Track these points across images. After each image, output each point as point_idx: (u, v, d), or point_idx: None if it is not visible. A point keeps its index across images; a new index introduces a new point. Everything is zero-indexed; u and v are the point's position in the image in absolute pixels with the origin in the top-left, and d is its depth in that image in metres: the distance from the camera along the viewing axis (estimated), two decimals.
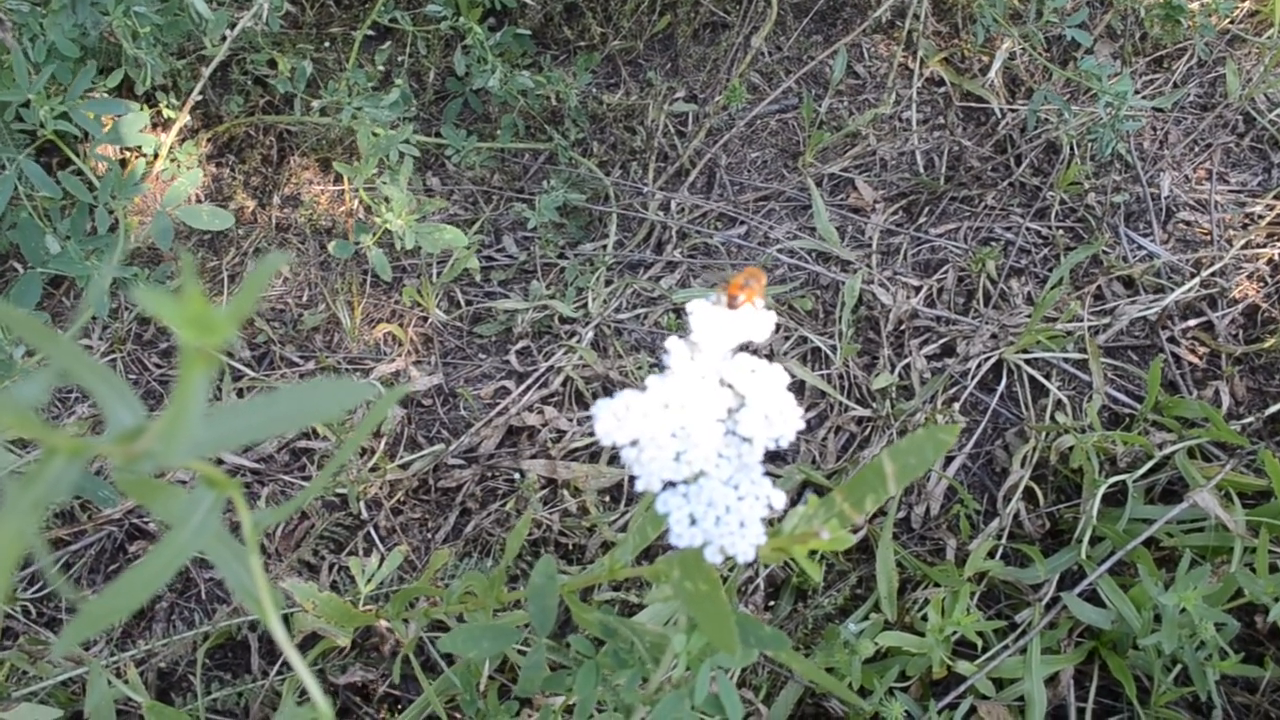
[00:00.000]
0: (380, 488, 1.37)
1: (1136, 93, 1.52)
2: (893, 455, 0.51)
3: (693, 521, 0.48)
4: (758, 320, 0.52)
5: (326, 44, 1.66)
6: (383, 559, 1.21)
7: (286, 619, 1.20)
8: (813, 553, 0.54)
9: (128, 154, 1.54)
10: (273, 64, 1.56)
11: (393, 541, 1.34)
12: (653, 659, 0.61)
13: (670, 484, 0.48)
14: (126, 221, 1.26)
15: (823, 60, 1.80)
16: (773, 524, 0.53)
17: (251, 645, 1.26)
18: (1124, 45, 1.84)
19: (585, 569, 1.27)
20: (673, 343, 0.50)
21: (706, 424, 0.48)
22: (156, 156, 1.49)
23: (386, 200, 1.24)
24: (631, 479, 1.38)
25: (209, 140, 1.66)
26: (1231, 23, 1.86)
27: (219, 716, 1.20)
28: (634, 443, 0.48)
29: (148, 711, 1.09)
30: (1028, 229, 1.64)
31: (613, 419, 0.48)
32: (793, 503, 0.84)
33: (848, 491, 0.53)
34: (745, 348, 0.52)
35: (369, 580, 1.14)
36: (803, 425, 0.47)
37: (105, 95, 1.31)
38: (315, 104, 1.35)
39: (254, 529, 0.40)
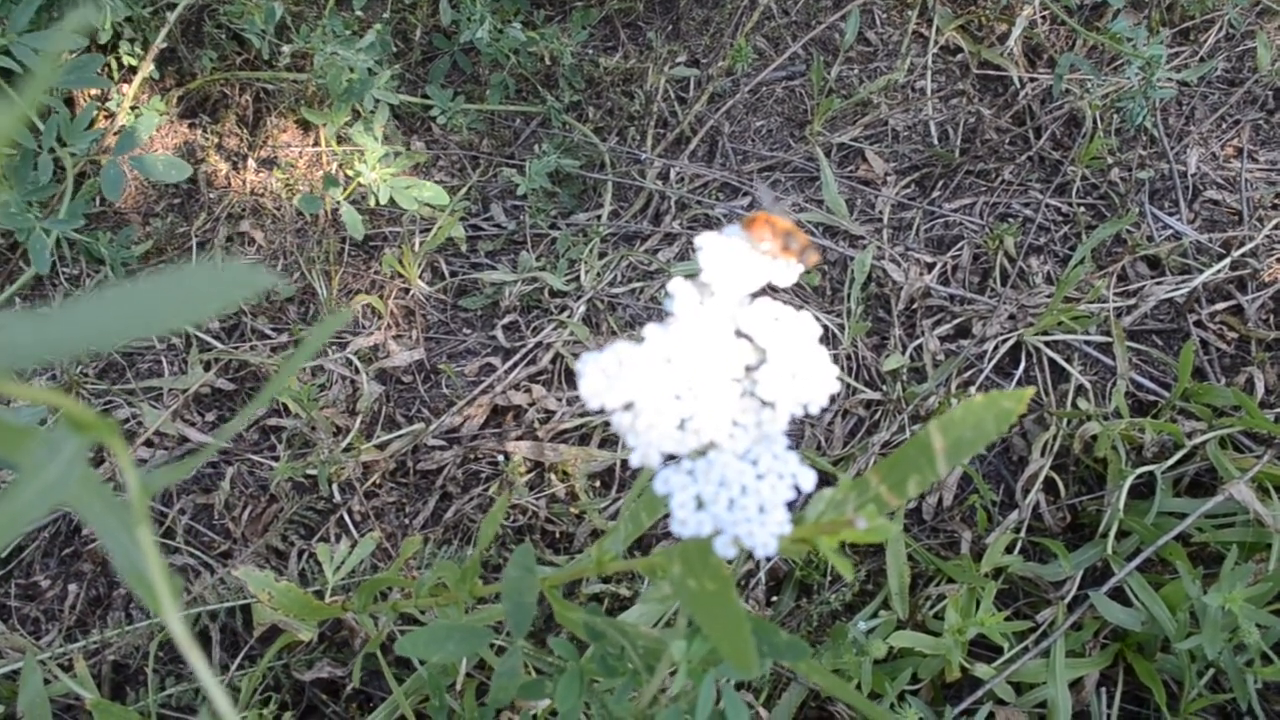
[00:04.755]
0: (354, 469, 1.27)
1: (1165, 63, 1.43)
2: (944, 427, 0.42)
3: (700, 505, 0.38)
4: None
5: None
6: (354, 546, 1.12)
7: (246, 610, 1.11)
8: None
9: (96, 112, 1.43)
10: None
11: (367, 527, 1.25)
12: (646, 667, 0.52)
13: (673, 458, 0.39)
14: (92, 177, 1.16)
15: (832, 24, 1.70)
16: (791, 509, 0.44)
17: (213, 636, 1.16)
18: (1150, 15, 1.74)
19: (573, 559, 1.18)
20: (678, 284, 0.40)
21: (719, 384, 0.39)
22: (120, 109, 1.38)
23: (361, 153, 1.14)
24: (625, 461, 1.29)
25: (180, 99, 1.56)
26: None
27: (173, 714, 1.10)
28: (628, 406, 0.38)
29: (93, 708, 1.00)
30: (1047, 205, 1.55)
31: (601, 376, 0.38)
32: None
33: (886, 472, 0.43)
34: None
35: (337, 569, 1.05)
36: (838, 386, 0.38)
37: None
38: (286, 49, 1.25)
39: (143, 491, 0.31)
